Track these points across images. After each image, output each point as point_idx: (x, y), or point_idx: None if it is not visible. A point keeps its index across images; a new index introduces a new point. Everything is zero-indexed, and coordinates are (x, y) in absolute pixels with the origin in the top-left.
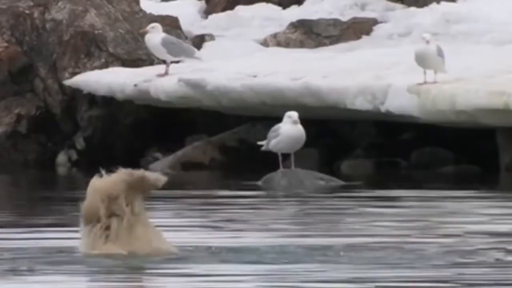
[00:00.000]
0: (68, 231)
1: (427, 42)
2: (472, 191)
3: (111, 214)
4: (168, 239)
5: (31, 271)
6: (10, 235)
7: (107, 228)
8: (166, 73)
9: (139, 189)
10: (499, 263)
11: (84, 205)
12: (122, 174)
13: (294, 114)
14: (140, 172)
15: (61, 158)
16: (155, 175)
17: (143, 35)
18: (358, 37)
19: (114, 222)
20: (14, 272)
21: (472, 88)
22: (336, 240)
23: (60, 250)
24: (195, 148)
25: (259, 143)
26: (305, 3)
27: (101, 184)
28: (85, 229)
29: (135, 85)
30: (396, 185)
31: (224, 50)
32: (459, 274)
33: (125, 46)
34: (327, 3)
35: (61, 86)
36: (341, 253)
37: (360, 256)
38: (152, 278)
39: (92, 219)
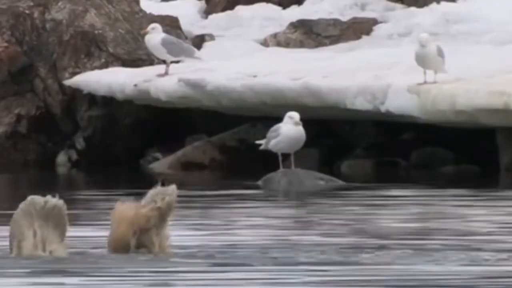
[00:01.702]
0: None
1: (423, 46)
2: (472, 191)
3: (139, 246)
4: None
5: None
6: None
7: None
8: (166, 73)
9: (167, 213)
10: (498, 263)
11: (114, 235)
12: (154, 204)
13: (296, 115)
14: (169, 198)
15: (61, 158)
16: (174, 191)
17: (143, 35)
18: (358, 37)
19: (141, 252)
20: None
21: (472, 88)
22: (336, 240)
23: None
24: (195, 148)
25: (257, 142)
26: (305, 3)
27: (135, 216)
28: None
29: (135, 85)
30: (396, 185)
31: (224, 50)
32: (460, 274)
33: (125, 46)
34: (327, 3)
35: (61, 86)
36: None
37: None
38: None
39: (120, 250)
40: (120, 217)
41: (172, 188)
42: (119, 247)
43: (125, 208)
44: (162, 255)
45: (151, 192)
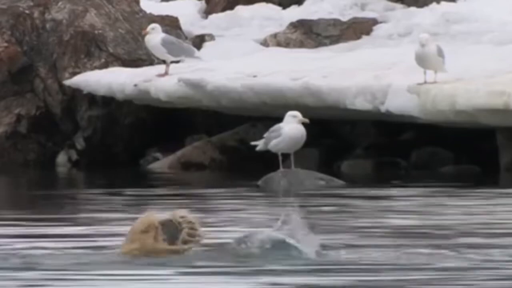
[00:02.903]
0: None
1: (423, 45)
2: (472, 191)
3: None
4: None
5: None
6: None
7: None
8: (166, 73)
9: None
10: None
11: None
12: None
13: (298, 114)
14: (193, 245)
15: (61, 158)
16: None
17: (143, 35)
18: (358, 37)
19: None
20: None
21: (472, 88)
22: (337, 240)
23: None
24: (195, 148)
25: (253, 143)
26: (305, 3)
27: (157, 249)
28: None
29: (135, 85)
30: (396, 185)
31: (224, 50)
32: (461, 274)
33: (125, 46)
34: (327, 3)
35: (61, 86)
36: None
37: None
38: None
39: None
40: (137, 234)
41: (202, 233)
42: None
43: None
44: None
45: (184, 219)
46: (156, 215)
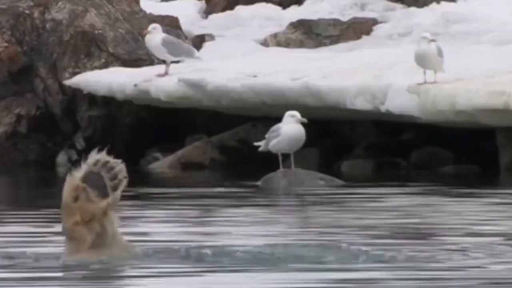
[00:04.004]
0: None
1: (429, 41)
2: (472, 191)
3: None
4: (165, 239)
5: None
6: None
7: None
8: (166, 73)
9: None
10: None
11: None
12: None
13: (297, 114)
14: (119, 193)
15: (61, 158)
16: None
17: (143, 35)
18: (358, 37)
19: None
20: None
21: (472, 88)
22: (336, 240)
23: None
24: (195, 148)
25: (256, 143)
26: (305, 3)
27: (92, 208)
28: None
29: (135, 85)
30: (396, 185)
31: (224, 50)
32: (460, 273)
33: (125, 46)
34: (327, 3)
35: (61, 86)
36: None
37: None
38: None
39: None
40: (71, 206)
41: (121, 168)
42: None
43: (75, 195)
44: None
45: (96, 163)
46: (75, 175)
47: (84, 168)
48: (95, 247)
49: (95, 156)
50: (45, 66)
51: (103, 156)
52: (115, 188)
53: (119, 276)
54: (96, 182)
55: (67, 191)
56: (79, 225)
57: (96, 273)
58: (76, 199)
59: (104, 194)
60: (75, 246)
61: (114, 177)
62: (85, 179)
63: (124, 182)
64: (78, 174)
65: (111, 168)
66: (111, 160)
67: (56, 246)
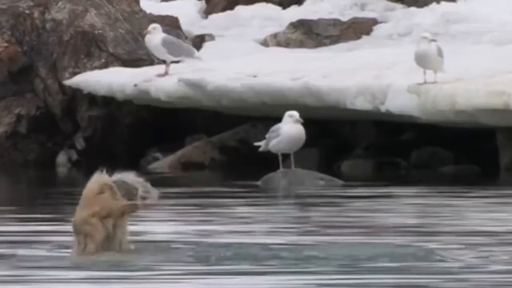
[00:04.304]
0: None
1: (429, 41)
2: (472, 191)
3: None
4: (165, 239)
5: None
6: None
7: None
8: (166, 73)
9: (135, 212)
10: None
11: (81, 212)
12: (135, 201)
13: (295, 114)
14: (150, 202)
15: (61, 158)
16: (157, 196)
17: (143, 35)
18: (358, 37)
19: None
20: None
21: (472, 88)
22: (336, 240)
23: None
24: (195, 148)
25: (257, 144)
26: (305, 3)
27: (112, 205)
28: None
29: (135, 85)
30: (396, 185)
31: (224, 50)
32: (461, 273)
33: (125, 46)
34: (327, 3)
35: (61, 86)
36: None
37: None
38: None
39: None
40: (93, 197)
41: (157, 193)
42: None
43: (101, 188)
44: (123, 250)
45: (135, 180)
46: (106, 176)
47: (121, 177)
48: (101, 251)
49: (134, 176)
50: (45, 66)
51: (140, 178)
52: (143, 198)
53: (125, 277)
54: (127, 187)
55: (93, 183)
56: (94, 218)
57: (100, 274)
58: (100, 193)
59: (130, 197)
60: (83, 242)
61: (147, 192)
62: (117, 182)
63: (154, 201)
64: (111, 177)
65: (146, 187)
66: (148, 184)
67: (55, 246)
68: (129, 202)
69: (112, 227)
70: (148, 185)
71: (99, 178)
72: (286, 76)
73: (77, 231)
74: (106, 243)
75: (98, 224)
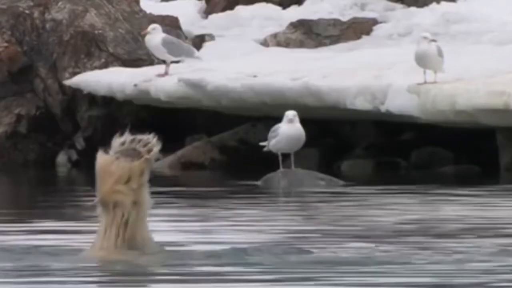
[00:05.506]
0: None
1: (429, 41)
2: (472, 191)
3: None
4: (165, 239)
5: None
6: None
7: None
8: (166, 73)
9: (150, 166)
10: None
11: (105, 187)
12: (142, 156)
13: (289, 113)
14: (155, 149)
15: (61, 158)
16: (155, 140)
17: (143, 36)
18: (358, 37)
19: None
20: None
21: (472, 88)
22: (336, 240)
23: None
24: (195, 148)
25: (261, 143)
26: (305, 3)
27: (130, 171)
28: None
29: (135, 85)
30: (396, 185)
31: (224, 50)
32: (460, 272)
33: (125, 46)
34: (327, 3)
35: (61, 86)
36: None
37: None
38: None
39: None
40: (109, 167)
41: (151, 137)
42: (110, 199)
43: (111, 161)
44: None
45: (124, 141)
46: (105, 158)
47: (113, 150)
48: (127, 233)
49: (118, 140)
50: (45, 66)
51: (127, 136)
52: (149, 151)
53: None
54: (128, 153)
55: (101, 158)
56: (118, 185)
57: (118, 273)
58: (113, 162)
59: (139, 157)
60: (111, 217)
61: (145, 144)
62: (116, 154)
63: (157, 145)
64: (106, 157)
65: (140, 140)
66: (137, 136)
67: (55, 247)
68: (142, 159)
69: (137, 188)
70: (138, 136)
71: (102, 156)
72: (286, 76)
73: (105, 204)
74: (133, 222)
75: (124, 189)
